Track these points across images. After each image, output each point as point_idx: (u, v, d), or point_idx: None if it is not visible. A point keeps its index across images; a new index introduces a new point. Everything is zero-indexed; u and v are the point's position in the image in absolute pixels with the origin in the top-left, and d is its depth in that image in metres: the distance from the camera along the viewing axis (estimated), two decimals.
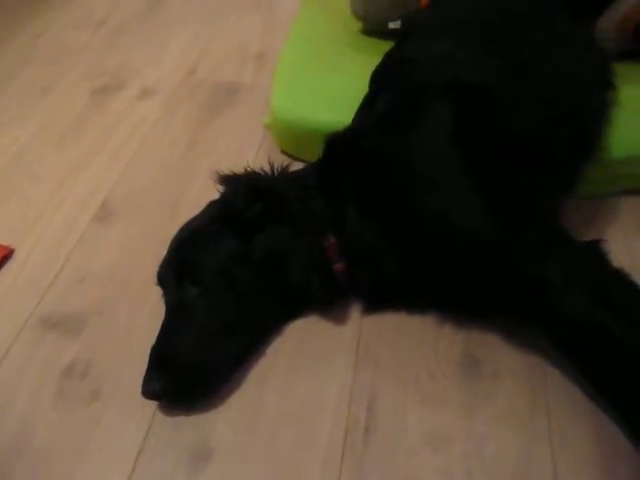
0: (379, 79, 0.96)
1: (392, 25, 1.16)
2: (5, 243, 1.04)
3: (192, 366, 0.77)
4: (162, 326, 0.81)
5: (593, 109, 0.91)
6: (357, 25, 1.25)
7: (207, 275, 0.81)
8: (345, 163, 0.86)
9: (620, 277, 0.75)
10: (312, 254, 0.82)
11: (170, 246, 0.87)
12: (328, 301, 0.86)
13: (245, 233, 0.83)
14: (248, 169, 0.90)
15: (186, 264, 0.83)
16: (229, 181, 0.88)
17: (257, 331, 0.84)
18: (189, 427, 0.77)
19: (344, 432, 0.75)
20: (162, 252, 0.88)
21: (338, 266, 0.83)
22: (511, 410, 0.75)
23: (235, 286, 0.81)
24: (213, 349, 0.79)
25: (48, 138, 1.28)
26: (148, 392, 0.76)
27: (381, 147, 0.84)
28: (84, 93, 1.40)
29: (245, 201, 0.83)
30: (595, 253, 0.78)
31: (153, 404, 0.79)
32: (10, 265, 1.01)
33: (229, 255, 0.82)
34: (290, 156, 1.14)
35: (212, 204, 0.90)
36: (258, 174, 0.89)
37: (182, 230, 0.88)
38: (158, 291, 0.87)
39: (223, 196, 0.88)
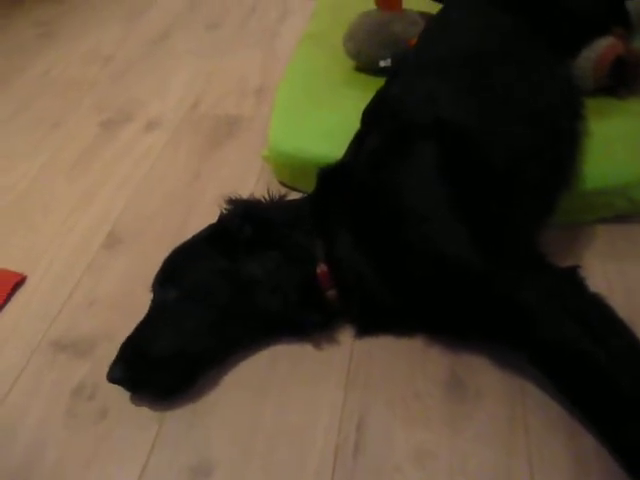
0: (369, 116, 1.01)
1: (383, 63, 1.23)
2: (17, 270, 1.09)
3: (156, 359, 0.83)
4: (140, 322, 0.88)
5: (566, 141, 0.97)
6: (350, 62, 1.31)
7: (188, 282, 0.88)
8: (336, 195, 0.92)
9: (597, 302, 0.79)
10: (299, 280, 0.87)
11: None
12: (320, 325, 0.90)
13: (233, 253, 0.88)
14: (251, 197, 0.96)
15: (172, 270, 0.90)
16: (231, 203, 0.94)
17: (225, 345, 0.89)
18: (191, 444, 0.81)
19: (335, 449, 0.79)
20: None
21: (330, 293, 0.88)
22: (492, 428, 0.79)
23: (213, 299, 0.87)
24: (179, 349, 0.84)
25: (58, 169, 1.34)
26: (111, 377, 0.83)
27: (371, 181, 0.90)
28: (92, 126, 1.46)
29: (236, 223, 0.89)
30: (572, 279, 0.83)
31: (157, 423, 0.84)
32: (22, 291, 1.06)
33: (212, 269, 0.88)
34: (287, 186, 1.20)
35: (210, 225, 0.96)
36: (256, 200, 0.95)
37: (178, 245, 0.95)
38: None
39: (220, 217, 0.94)
